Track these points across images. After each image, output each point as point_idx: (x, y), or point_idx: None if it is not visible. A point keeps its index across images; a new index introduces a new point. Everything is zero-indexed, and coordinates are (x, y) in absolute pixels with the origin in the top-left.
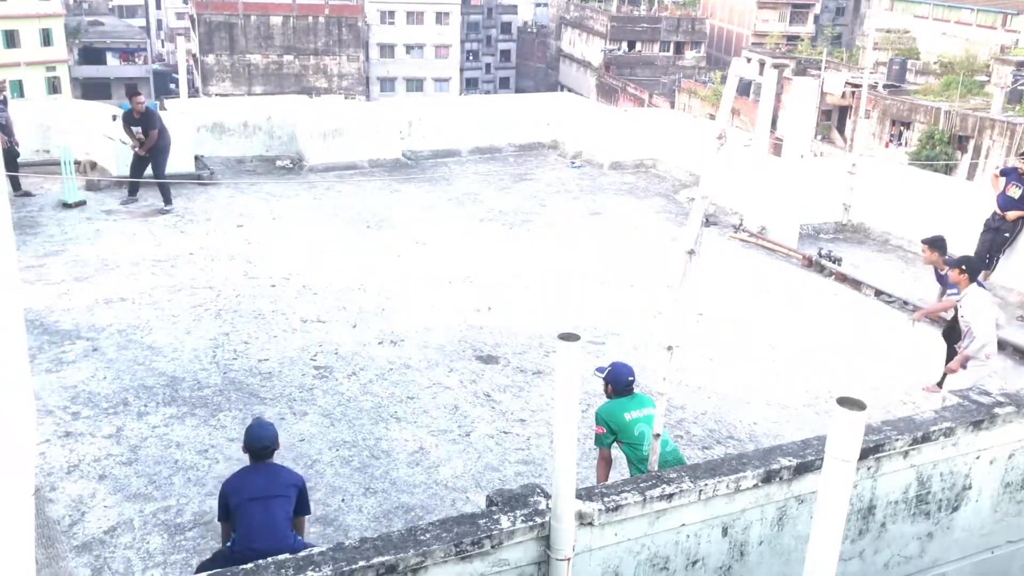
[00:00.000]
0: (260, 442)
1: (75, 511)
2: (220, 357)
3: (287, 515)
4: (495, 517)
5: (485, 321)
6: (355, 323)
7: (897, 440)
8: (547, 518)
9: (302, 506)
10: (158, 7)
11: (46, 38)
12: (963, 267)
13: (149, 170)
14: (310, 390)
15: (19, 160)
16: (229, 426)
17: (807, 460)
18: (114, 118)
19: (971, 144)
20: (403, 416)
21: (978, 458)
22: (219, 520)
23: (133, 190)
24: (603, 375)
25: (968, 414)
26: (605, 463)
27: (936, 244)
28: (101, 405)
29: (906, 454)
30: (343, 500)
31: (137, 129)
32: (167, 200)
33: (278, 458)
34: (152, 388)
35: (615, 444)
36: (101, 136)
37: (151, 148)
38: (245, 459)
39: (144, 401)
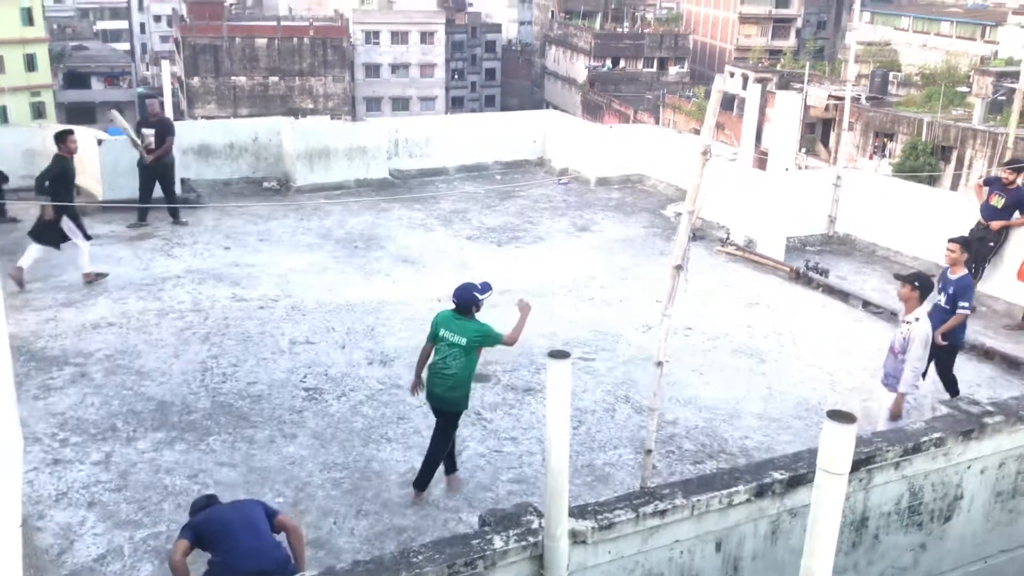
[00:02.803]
0: None
1: (64, 539)
2: (209, 381)
3: (262, 516)
4: (488, 537)
5: None
6: (344, 343)
7: (888, 451)
8: (540, 537)
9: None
10: (143, 31)
11: (30, 63)
12: (915, 283)
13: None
14: (300, 412)
15: (5, 187)
16: (219, 450)
17: (799, 473)
18: (100, 143)
19: (954, 154)
20: (394, 437)
21: (969, 468)
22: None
23: (142, 215)
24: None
25: (958, 424)
26: (424, 356)
27: (968, 245)
28: (89, 431)
29: (897, 465)
30: (335, 523)
31: (149, 132)
32: (178, 215)
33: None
34: (141, 413)
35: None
36: (115, 118)
37: (158, 164)
38: (233, 483)
39: (133, 426)
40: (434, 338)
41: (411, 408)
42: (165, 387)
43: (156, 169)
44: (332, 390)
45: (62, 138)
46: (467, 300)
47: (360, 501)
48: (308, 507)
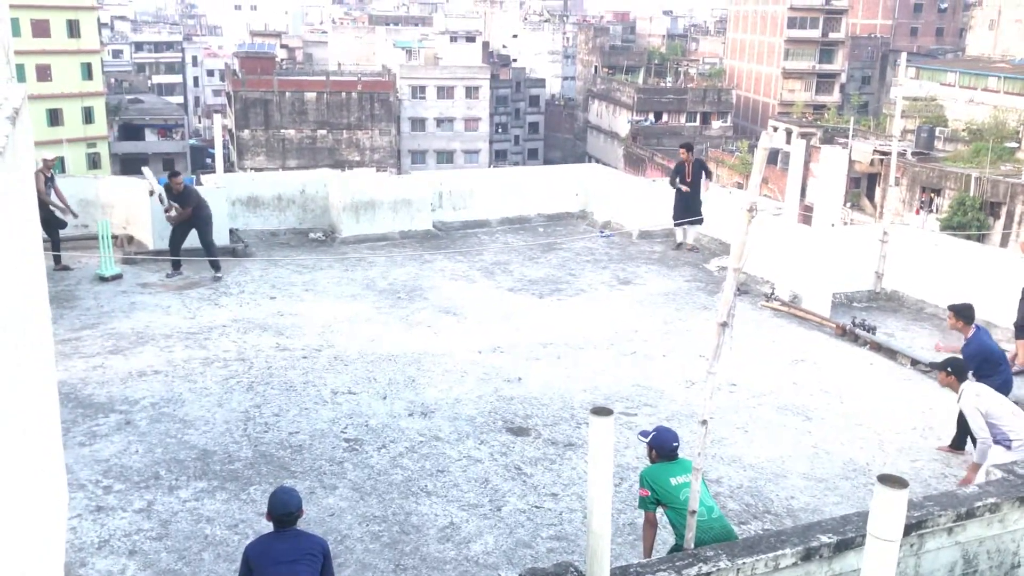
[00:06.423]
0: (285, 508)
1: None
2: (251, 430)
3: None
4: None
5: (515, 392)
6: (385, 394)
7: (940, 516)
8: None
9: (327, 570)
10: (196, 85)
11: (88, 116)
12: (949, 370)
13: (188, 241)
14: (340, 463)
15: (61, 231)
16: (259, 500)
17: (847, 537)
18: (151, 193)
19: (1003, 210)
20: (433, 490)
21: None
22: None
23: (176, 264)
24: (647, 440)
25: (1014, 489)
26: (651, 527)
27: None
28: (133, 479)
29: (950, 531)
30: None
31: (174, 204)
32: (217, 268)
33: (304, 528)
34: (183, 462)
35: (659, 510)
36: (145, 185)
37: (196, 220)
38: None
39: (175, 475)
40: (661, 499)
41: (451, 461)
42: (208, 436)
43: (190, 224)
44: (372, 441)
45: (688, 147)
46: (677, 442)
47: (399, 556)
48: (347, 560)
